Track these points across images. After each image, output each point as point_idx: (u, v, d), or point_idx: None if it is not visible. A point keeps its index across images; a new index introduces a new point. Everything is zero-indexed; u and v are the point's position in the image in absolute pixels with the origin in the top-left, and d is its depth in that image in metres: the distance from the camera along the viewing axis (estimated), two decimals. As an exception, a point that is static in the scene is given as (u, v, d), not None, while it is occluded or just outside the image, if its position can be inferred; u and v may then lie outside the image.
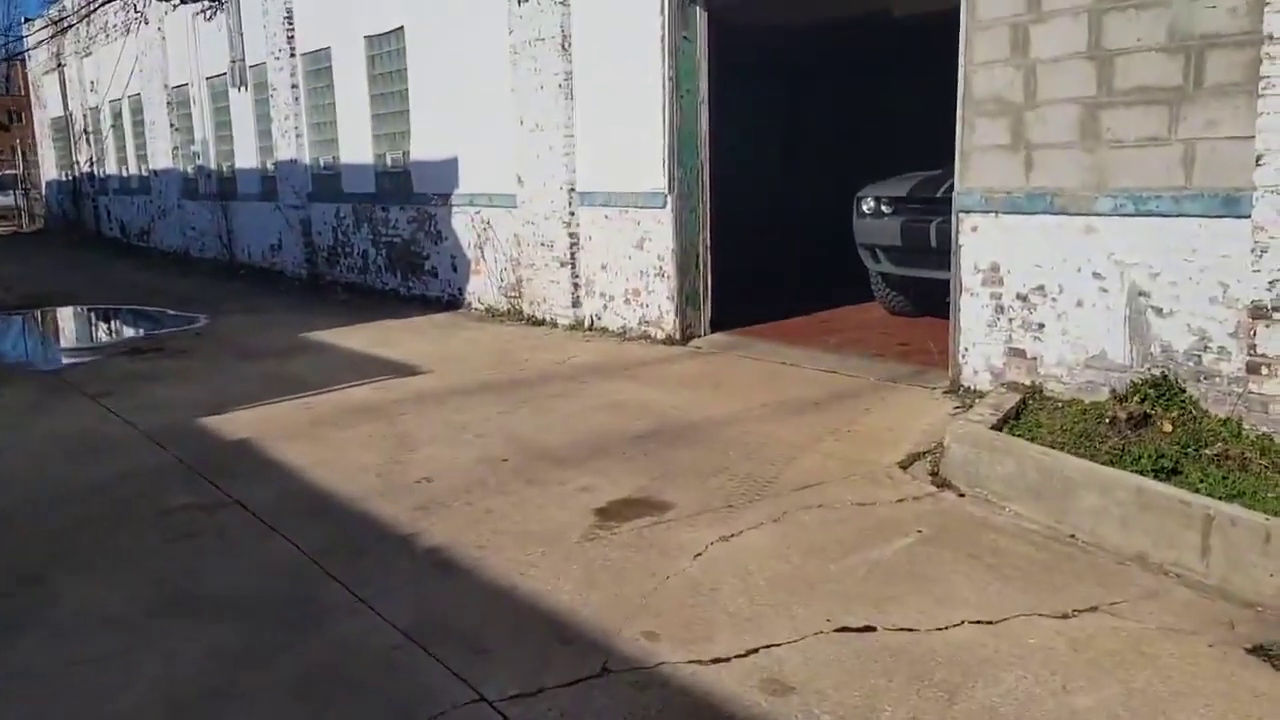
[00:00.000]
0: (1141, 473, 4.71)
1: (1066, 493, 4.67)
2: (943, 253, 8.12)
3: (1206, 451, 4.90)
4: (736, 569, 4.14)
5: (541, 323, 10.08)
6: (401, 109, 12.15)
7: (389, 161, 12.63)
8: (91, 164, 24.77)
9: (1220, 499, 4.39)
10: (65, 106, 25.60)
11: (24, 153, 33.19)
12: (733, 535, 4.50)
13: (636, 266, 9.09)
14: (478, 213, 11.07)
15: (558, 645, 3.53)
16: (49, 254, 22.40)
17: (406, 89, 11.96)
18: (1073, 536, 4.52)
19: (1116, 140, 5.56)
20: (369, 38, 12.53)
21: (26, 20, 28.67)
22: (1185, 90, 5.25)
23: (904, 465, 5.40)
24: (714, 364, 8.02)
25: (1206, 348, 5.31)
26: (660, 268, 8.86)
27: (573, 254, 9.69)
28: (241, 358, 8.92)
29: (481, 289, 11.22)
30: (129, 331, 12.01)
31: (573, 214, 9.63)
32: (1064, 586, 4.00)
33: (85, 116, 24.44)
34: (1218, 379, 5.28)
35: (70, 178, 26.75)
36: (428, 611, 3.81)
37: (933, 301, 9.39)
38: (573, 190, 9.60)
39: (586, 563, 4.21)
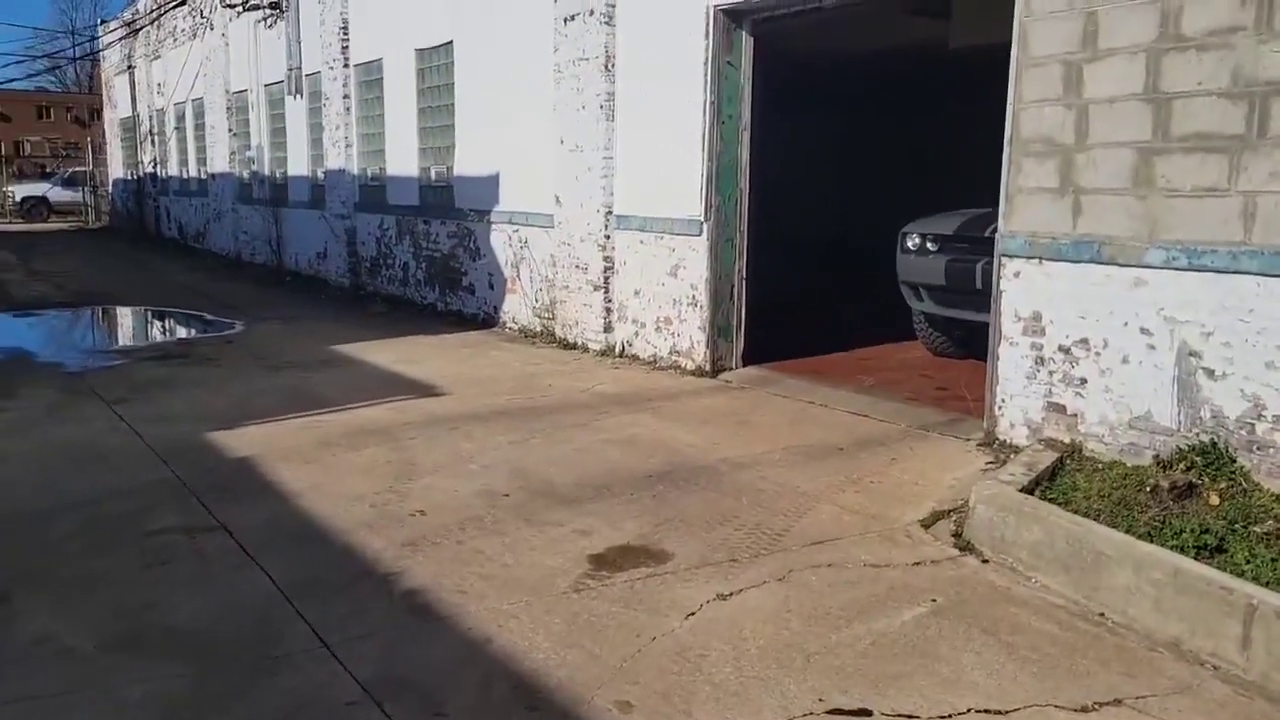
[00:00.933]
0: (1183, 548, 4.35)
1: (1097, 567, 4.32)
2: (988, 295, 7.76)
3: (1256, 529, 4.51)
4: (729, 633, 3.86)
5: (573, 346, 9.87)
6: (447, 123, 12.08)
7: (433, 175, 12.56)
8: (155, 165, 25.22)
9: (1268, 584, 4.02)
10: (134, 107, 26.12)
11: (94, 151, 33.94)
12: (731, 594, 4.22)
13: (669, 294, 8.85)
14: (516, 231, 10.92)
15: (522, 712, 3.28)
16: (108, 252, 22.78)
17: (453, 103, 11.89)
18: (1102, 615, 4.17)
19: (1171, 189, 5.20)
20: (419, 50, 12.49)
21: (103, 21, 29.37)
22: (1248, 140, 4.88)
23: (926, 524, 5.08)
24: (741, 400, 7.73)
25: (1261, 416, 4.92)
26: (693, 297, 8.61)
27: (606, 278, 9.48)
28: (266, 369, 8.83)
29: (516, 308, 11.05)
30: (163, 335, 12.05)
31: (608, 237, 9.43)
32: (1087, 673, 3.66)
33: (151, 118, 24.90)
34: (1272, 450, 4.88)
35: (135, 177, 27.27)
36: (393, 664, 3.58)
37: (977, 344, 9.01)
38: (609, 213, 9.39)
39: (570, 617, 3.96)
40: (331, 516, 5.00)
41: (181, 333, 11.94)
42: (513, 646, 3.70)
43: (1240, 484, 4.91)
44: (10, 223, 33.30)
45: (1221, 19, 4.96)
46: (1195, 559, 4.26)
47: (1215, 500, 4.79)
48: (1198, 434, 5.17)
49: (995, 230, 7.76)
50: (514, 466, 5.90)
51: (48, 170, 44.84)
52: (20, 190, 36.67)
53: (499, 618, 3.94)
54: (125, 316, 13.35)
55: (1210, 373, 5.11)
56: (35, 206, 35.20)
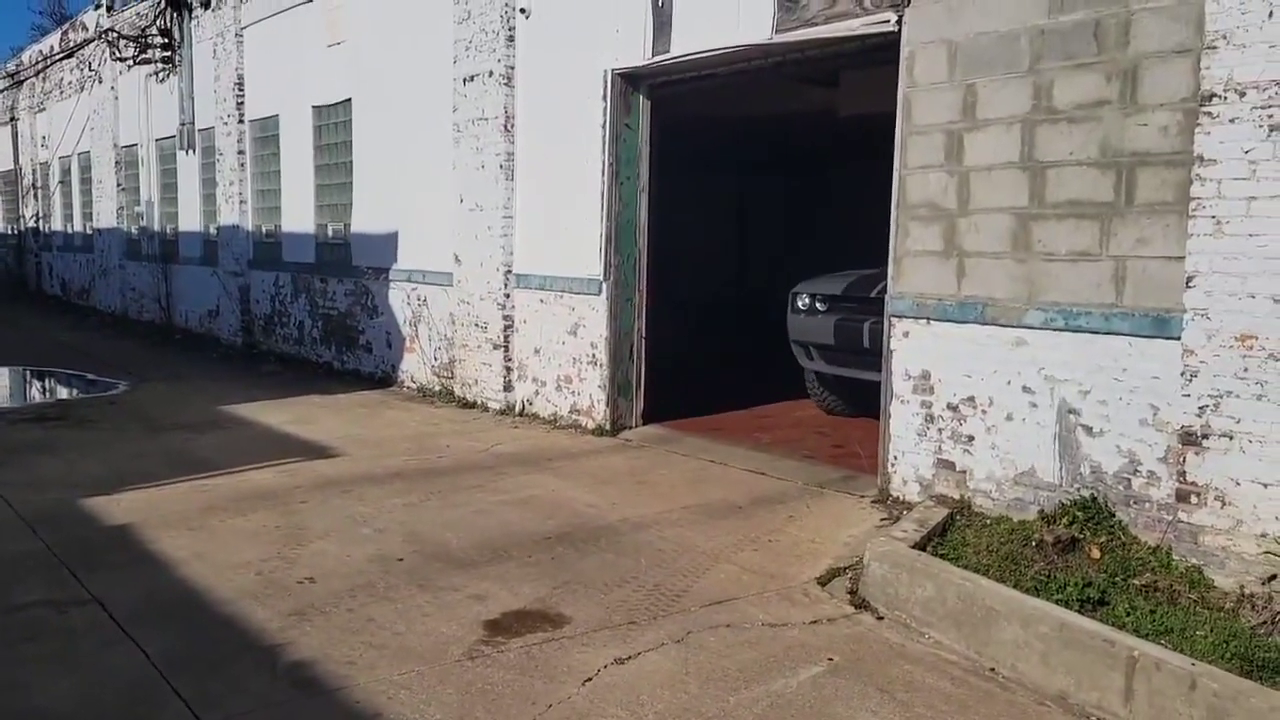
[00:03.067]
0: (1067, 602, 4.48)
1: (987, 622, 4.40)
2: (876, 354, 7.91)
3: (1135, 582, 4.68)
4: (627, 699, 3.81)
5: (472, 405, 9.76)
6: (345, 180, 11.95)
7: (330, 232, 12.38)
8: (37, 219, 24.31)
9: (1147, 636, 4.16)
10: (16, 160, 25.20)
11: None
12: (629, 657, 4.16)
13: (569, 353, 8.84)
14: (414, 289, 10.81)
15: (411, 789, 3.17)
16: (-17, 309, 21.78)
17: (351, 161, 11.78)
18: (992, 670, 4.24)
19: (1048, 253, 5.43)
20: (317, 108, 12.38)
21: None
22: (1116, 206, 5.14)
23: (822, 582, 5.12)
24: (640, 459, 7.72)
25: (1136, 471, 5.12)
26: (593, 355, 8.61)
27: (506, 337, 9.43)
28: (150, 431, 8.49)
29: (414, 367, 10.90)
30: (39, 396, 11.53)
31: (508, 296, 9.40)
32: (978, 730, 3.71)
33: (35, 171, 24.07)
34: (1147, 504, 5.07)
35: (16, 232, 26.22)
36: (275, 741, 3.43)
37: (867, 402, 9.16)
38: (509, 272, 9.37)
39: (464, 686, 3.85)
40: (215, 586, 4.80)
41: (60, 393, 11.43)
42: None
43: (1119, 537, 5.08)
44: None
45: (1089, 93, 5.23)
46: (1080, 611, 4.39)
47: (1096, 554, 4.95)
48: (1079, 489, 5.34)
49: (882, 290, 7.94)
50: (409, 530, 5.76)
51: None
52: (-111, 244, 34.89)
53: (389, 689, 3.81)
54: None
55: (1089, 430, 5.30)
56: (-95, 261, 33.50)
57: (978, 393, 5.81)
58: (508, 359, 9.46)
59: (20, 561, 5.13)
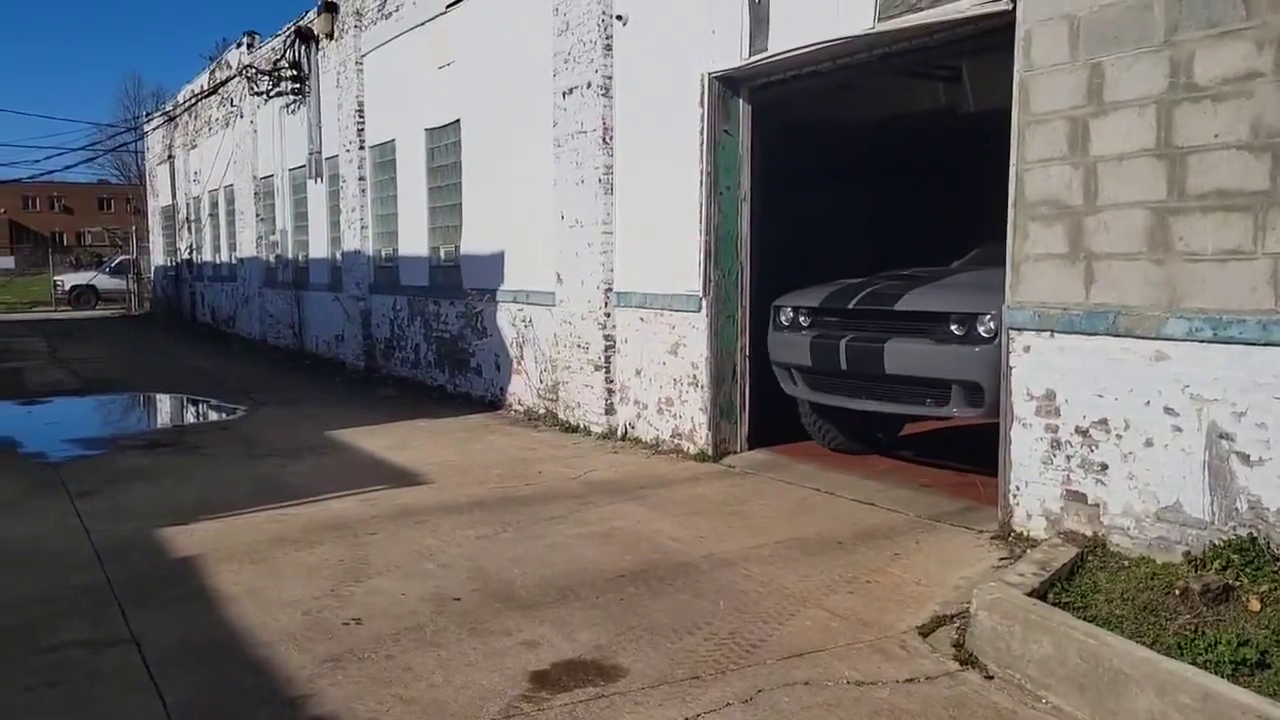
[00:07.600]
0: (1218, 664, 3.74)
1: (1115, 687, 3.71)
2: (856, 376, 7.01)
3: (1304, 641, 3.88)
4: (675, 773, 3.30)
5: (575, 429, 9.40)
6: (455, 202, 11.86)
7: (442, 255, 12.31)
8: (190, 251, 25.49)
9: (1319, 711, 3.39)
10: (173, 195, 26.56)
11: (138, 239, 34.60)
12: (685, 721, 3.65)
13: (670, 374, 8.38)
14: (520, 310, 10.57)
15: None
16: (139, 338, 22.89)
17: (460, 182, 11.67)
18: (1122, 747, 3.55)
19: (1191, 252, 4.66)
20: (429, 130, 12.36)
21: (147, 114, 30.04)
22: (1274, 195, 4.34)
23: (924, 632, 4.48)
24: (740, 487, 7.17)
25: (1305, 507, 4.29)
26: (694, 376, 8.12)
27: (607, 357, 9.04)
28: (250, 457, 8.45)
29: (521, 390, 10.63)
30: (160, 422, 11.78)
31: (608, 315, 9.01)
32: (1099, 826, 3.04)
33: (188, 205, 25.26)
34: (1320, 547, 4.24)
35: (173, 264, 27.60)
36: (268, 813, 3.06)
37: (867, 436, 8.10)
38: (609, 290, 8.99)
39: (491, 752, 3.42)
40: (257, 627, 4.52)
41: (180, 419, 11.67)
42: (414, 791, 3.18)
43: (1285, 587, 4.26)
44: (56, 310, 33.87)
45: (1237, 65, 4.47)
46: (1232, 676, 3.65)
47: (1256, 606, 4.15)
48: (1234, 528, 4.54)
49: (861, 302, 7.05)
50: (475, 565, 5.39)
51: (104, 259, 45.87)
52: (70, 279, 37.51)
53: (408, 753, 3.41)
54: (129, 404, 13.10)
55: (1245, 458, 4.50)
56: (83, 294, 35.92)
57: (1111, 415, 5.05)
58: (609, 380, 9.07)
59: (75, 595, 4.98)
